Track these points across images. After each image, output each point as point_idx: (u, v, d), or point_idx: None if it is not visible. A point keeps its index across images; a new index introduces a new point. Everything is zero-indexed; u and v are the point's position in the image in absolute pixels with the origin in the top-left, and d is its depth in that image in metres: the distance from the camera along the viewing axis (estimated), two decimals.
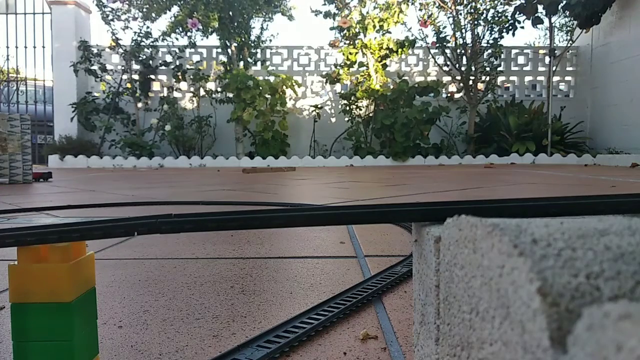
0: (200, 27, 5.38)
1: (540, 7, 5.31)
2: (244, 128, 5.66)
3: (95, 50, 5.84)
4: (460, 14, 5.60)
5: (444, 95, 6.04)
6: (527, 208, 0.30)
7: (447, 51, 5.74)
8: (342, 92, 5.73)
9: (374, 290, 0.60)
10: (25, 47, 6.65)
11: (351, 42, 5.58)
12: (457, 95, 5.96)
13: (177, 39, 5.68)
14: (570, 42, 5.89)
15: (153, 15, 5.51)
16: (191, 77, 5.74)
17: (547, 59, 5.82)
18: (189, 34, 5.61)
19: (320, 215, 0.32)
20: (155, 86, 6.08)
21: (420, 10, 5.67)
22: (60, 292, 0.32)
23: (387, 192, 1.99)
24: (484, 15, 5.56)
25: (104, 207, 1.57)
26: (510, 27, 5.53)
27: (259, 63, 5.92)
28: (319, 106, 6.00)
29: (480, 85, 5.81)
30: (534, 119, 5.60)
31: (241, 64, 5.69)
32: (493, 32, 5.62)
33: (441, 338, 0.27)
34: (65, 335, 0.32)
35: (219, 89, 5.72)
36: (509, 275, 0.18)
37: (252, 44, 5.76)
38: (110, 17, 5.61)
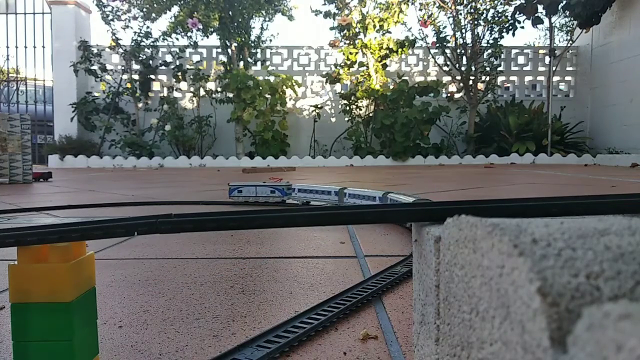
0: (201, 27, 5.38)
1: (540, 7, 5.31)
2: (244, 128, 5.66)
3: (95, 50, 5.84)
4: (460, 14, 5.60)
5: (444, 95, 6.04)
6: (527, 208, 0.30)
7: (447, 51, 5.74)
8: (342, 92, 5.73)
9: (374, 290, 0.60)
10: (25, 47, 6.65)
11: (351, 42, 5.58)
12: (457, 95, 5.96)
13: (177, 39, 5.68)
14: (570, 42, 5.89)
15: (153, 15, 5.51)
16: (191, 77, 5.74)
17: (547, 59, 5.82)
18: (189, 34, 5.61)
19: (320, 215, 0.32)
20: (155, 86, 6.08)
21: (420, 10, 5.67)
22: (60, 292, 0.32)
23: None
24: (484, 15, 5.56)
25: (104, 207, 1.57)
26: (510, 27, 5.53)
27: (259, 63, 5.92)
28: (319, 106, 6.00)
29: (480, 85, 5.81)
30: (534, 119, 5.60)
31: (241, 64, 5.69)
32: (493, 32, 5.62)
33: (441, 338, 0.27)
34: (65, 335, 0.32)
35: (219, 89, 5.72)
36: (509, 275, 0.18)
37: (252, 44, 5.76)
38: (110, 17, 5.61)
